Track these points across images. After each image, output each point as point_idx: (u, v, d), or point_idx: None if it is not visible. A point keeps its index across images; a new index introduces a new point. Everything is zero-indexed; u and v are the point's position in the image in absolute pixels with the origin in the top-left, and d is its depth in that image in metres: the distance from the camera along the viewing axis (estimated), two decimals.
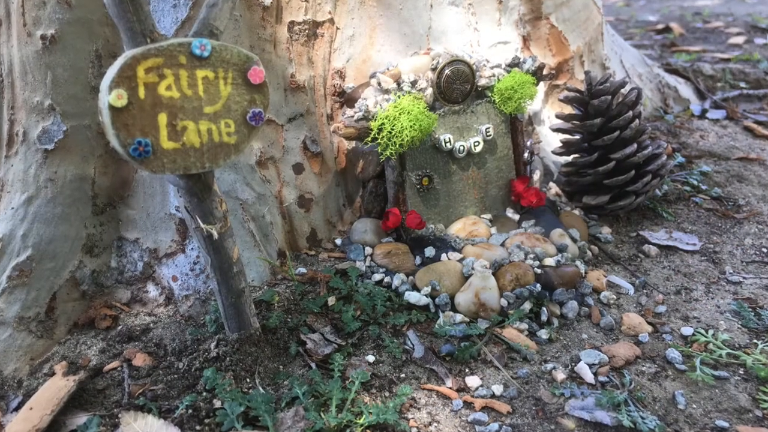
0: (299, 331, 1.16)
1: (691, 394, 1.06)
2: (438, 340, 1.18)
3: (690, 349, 1.16)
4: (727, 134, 2.08)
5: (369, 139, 1.32)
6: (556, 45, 1.80)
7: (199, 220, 0.96)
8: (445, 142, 1.39)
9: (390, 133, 1.30)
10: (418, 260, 1.33)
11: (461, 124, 1.43)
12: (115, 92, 0.80)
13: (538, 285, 1.24)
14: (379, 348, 1.15)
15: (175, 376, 1.07)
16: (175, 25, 1.21)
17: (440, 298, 1.23)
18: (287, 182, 1.38)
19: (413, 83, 1.36)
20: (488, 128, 1.44)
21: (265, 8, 1.29)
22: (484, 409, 1.03)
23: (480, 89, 1.45)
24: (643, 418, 0.98)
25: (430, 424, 1.00)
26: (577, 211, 1.59)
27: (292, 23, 1.34)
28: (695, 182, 1.74)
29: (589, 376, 1.09)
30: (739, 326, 1.22)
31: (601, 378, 1.09)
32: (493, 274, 1.25)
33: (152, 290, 1.27)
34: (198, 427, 0.96)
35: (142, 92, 0.83)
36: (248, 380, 1.05)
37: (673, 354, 1.14)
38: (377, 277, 1.30)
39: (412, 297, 1.23)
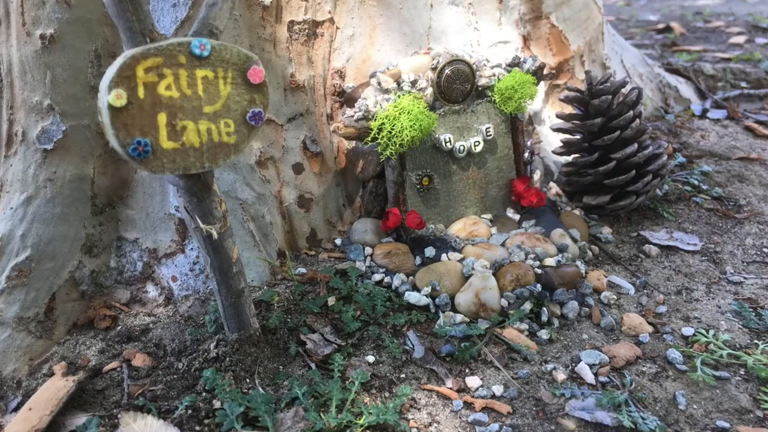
0: (299, 332, 1.16)
1: (691, 394, 1.06)
2: (438, 341, 1.17)
3: (691, 350, 1.15)
4: (727, 134, 2.08)
5: (369, 138, 1.32)
6: (556, 44, 1.80)
7: (199, 220, 0.95)
8: (446, 142, 1.38)
9: (390, 132, 1.30)
10: (418, 260, 1.33)
11: (461, 124, 1.43)
12: (115, 92, 0.80)
13: (539, 285, 1.24)
14: (379, 348, 1.15)
15: (175, 376, 1.07)
16: (174, 25, 1.21)
17: (440, 299, 1.22)
18: (287, 182, 1.38)
19: (413, 83, 1.36)
20: (488, 128, 1.44)
21: (265, 8, 1.29)
22: (485, 409, 1.03)
23: (480, 89, 1.45)
24: (643, 418, 0.98)
25: (430, 424, 1.00)
26: (577, 211, 1.58)
27: (291, 23, 1.34)
28: (696, 182, 1.74)
29: (589, 377, 1.09)
30: (740, 326, 1.22)
31: (602, 378, 1.09)
32: (494, 274, 1.25)
33: (152, 290, 1.27)
34: (197, 428, 0.95)
35: (141, 92, 0.82)
36: (248, 380, 1.05)
37: (674, 354, 1.14)
38: (377, 277, 1.30)
39: (412, 297, 1.23)
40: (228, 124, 0.90)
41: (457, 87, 1.39)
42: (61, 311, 1.20)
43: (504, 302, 1.22)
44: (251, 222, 1.29)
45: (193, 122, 0.87)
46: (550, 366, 1.12)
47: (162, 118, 0.84)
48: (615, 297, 1.31)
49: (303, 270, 1.32)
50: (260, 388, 1.04)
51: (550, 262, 1.31)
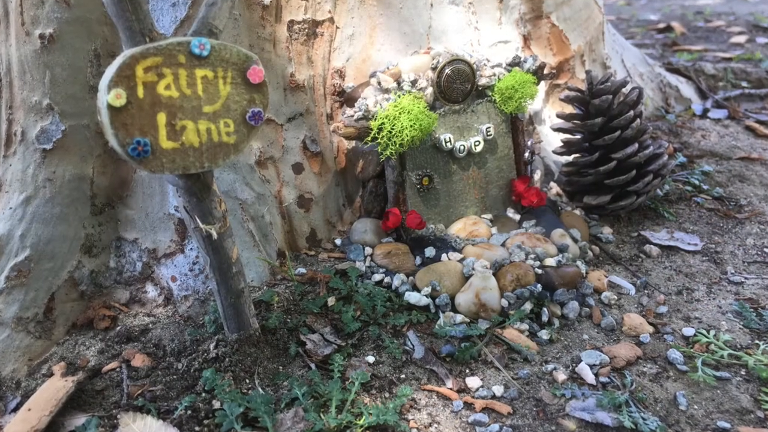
0: (299, 332, 1.15)
1: (692, 395, 1.05)
2: (438, 341, 1.17)
3: (691, 350, 1.15)
4: (728, 134, 2.07)
5: (369, 138, 1.32)
6: (556, 44, 1.79)
7: (198, 220, 0.95)
8: (446, 142, 1.38)
9: (390, 132, 1.30)
10: (418, 260, 1.33)
11: (462, 124, 1.43)
12: (114, 92, 0.80)
13: (539, 285, 1.23)
14: (379, 348, 1.15)
15: (174, 376, 1.07)
16: (174, 24, 1.20)
17: (440, 299, 1.22)
18: (287, 182, 1.38)
19: (413, 82, 1.36)
20: (489, 128, 1.44)
21: (265, 7, 1.29)
22: (485, 410, 1.02)
23: (480, 88, 1.44)
24: (644, 419, 0.98)
25: (430, 425, 0.99)
26: (578, 211, 1.58)
27: (291, 22, 1.34)
28: (697, 182, 1.74)
29: (590, 377, 1.09)
30: (741, 327, 1.22)
31: (602, 379, 1.09)
32: (494, 274, 1.25)
33: (151, 290, 1.27)
34: (197, 428, 0.95)
35: (140, 92, 0.82)
36: (247, 381, 1.05)
37: (675, 355, 1.13)
38: (377, 277, 1.30)
39: (412, 297, 1.23)
40: (227, 124, 0.90)
41: (457, 87, 1.39)
42: (61, 311, 1.20)
43: (504, 302, 1.22)
44: (251, 222, 1.29)
45: (192, 122, 0.87)
46: (550, 366, 1.11)
47: (161, 118, 0.84)
48: (615, 297, 1.31)
49: (303, 270, 1.32)
50: (260, 389, 1.04)
51: (550, 262, 1.30)
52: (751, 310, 1.26)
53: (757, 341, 1.18)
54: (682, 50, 3.04)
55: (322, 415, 0.96)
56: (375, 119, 1.31)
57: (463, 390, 1.07)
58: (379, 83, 1.35)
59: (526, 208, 1.50)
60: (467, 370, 1.12)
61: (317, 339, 1.14)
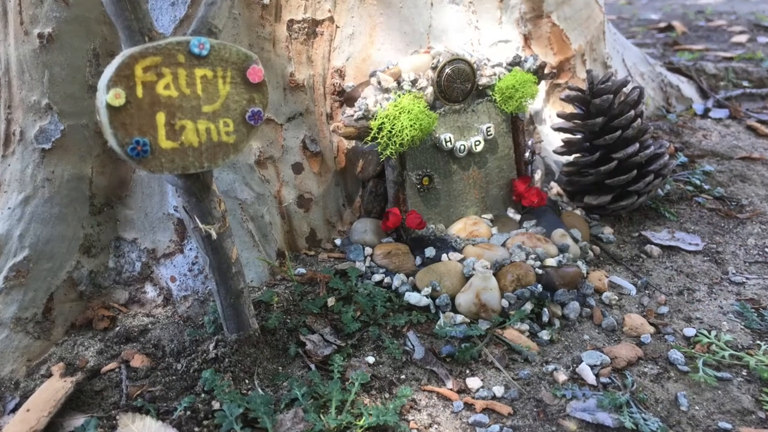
0: (298, 332, 1.15)
1: (693, 395, 1.05)
2: (438, 341, 1.17)
3: (692, 350, 1.15)
4: (729, 133, 2.07)
5: (369, 138, 1.31)
6: (557, 43, 1.79)
7: (198, 220, 0.95)
8: (446, 142, 1.38)
9: (390, 132, 1.29)
10: (418, 260, 1.32)
11: (462, 124, 1.42)
12: (113, 91, 0.79)
13: (540, 285, 1.23)
14: (379, 349, 1.14)
15: (174, 377, 1.06)
16: (173, 24, 1.20)
17: (441, 299, 1.22)
18: (286, 182, 1.37)
19: (413, 82, 1.36)
20: (489, 127, 1.43)
21: (264, 6, 1.28)
22: (485, 410, 1.02)
23: (481, 88, 1.44)
24: (645, 419, 0.98)
25: (430, 425, 0.99)
26: (578, 211, 1.58)
27: (291, 22, 1.33)
28: (698, 182, 1.73)
29: (590, 378, 1.08)
30: (742, 327, 1.21)
31: (603, 379, 1.08)
32: (494, 274, 1.25)
33: (150, 291, 1.27)
34: (196, 429, 0.95)
35: (140, 91, 0.82)
36: (247, 381, 1.05)
37: (676, 355, 1.13)
38: (377, 277, 1.29)
39: (412, 298, 1.23)
40: (227, 124, 0.90)
41: (457, 86, 1.38)
42: (60, 312, 1.20)
43: (505, 303, 1.21)
44: (250, 222, 1.28)
45: (191, 122, 0.86)
46: (551, 367, 1.11)
47: (161, 118, 0.84)
48: (616, 297, 1.31)
49: (302, 270, 1.31)
50: (259, 389, 1.03)
51: (551, 262, 1.30)
52: (753, 310, 1.25)
53: (758, 342, 1.17)
54: (683, 49, 3.03)
55: (321, 415, 0.96)
56: (375, 119, 1.30)
57: (463, 390, 1.07)
58: (379, 83, 1.35)
59: (527, 208, 1.50)
60: (467, 371, 1.11)
61: (317, 339, 1.14)
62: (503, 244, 1.37)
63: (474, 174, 1.46)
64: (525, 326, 1.20)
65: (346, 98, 1.43)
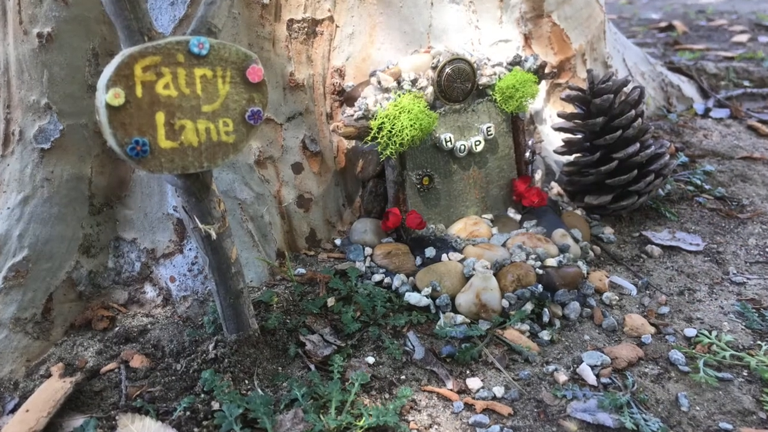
0: (298, 333, 1.15)
1: (694, 396, 1.05)
2: (438, 342, 1.17)
3: (693, 351, 1.14)
4: (730, 133, 2.07)
5: (369, 138, 1.31)
6: (557, 43, 1.79)
7: (197, 220, 0.95)
8: (446, 142, 1.37)
9: (390, 132, 1.29)
10: (418, 261, 1.32)
11: (462, 123, 1.42)
12: (112, 91, 0.79)
13: (540, 286, 1.23)
14: (379, 349, 1.14)
15: (173, 377, 1.06)
16: (172, 23, 1.20)
17: (441, 299, 1.22)
18: (286, 182, 1.37)
19: (413, 82, 1.35)
20: (489, 127, 1.43)
21: (264, 6, 1.28)
22: (485, 411, 1.02)
23: (481, 88, 1.44)
24: (645, 420, 0.97)
25: (430, 426, 0.99)
26: (579, 211, 1.57)
27: (291, 21, 1.33)
28: (698, 182, 1.73)
29: (591, 378, 1.08)
30: (743, 327, 1.21)
31: (604, 380, 1.08)
32: (495, 274, 1.24)
33: (150, 291, 1.26)
34: (196, 429, 0.95)
35: (139, 91, 0.82)
36: (247, 382, 1.04)
37: (676, 355, 1.13)
38: (377, 277, 1.29)
39: (412, 298, 1.22)
40: (227, 123, 0.89)
41: (457, 86, 1.38)
42: (59, 312, 1.20)
43: (505, 303, 1.21)
44: (250, 222, 1.28)
45: (191, 121, 0.86)
46: (551, 367, 1.11)
47: (160, 118, 0.84)
48: (617, 298, 1.31)
49: (302, 270, 1.31)
50: (259, 390, 1.03)
51: (551, 262, 1.30)
52: (753, 310, 1.25)
53: (759, 342, 1.17)
54: (683, 49, 3.03)
55: (321, 416, 0.96)
56: (375, 119, 1.30)
57: (463, 391, 1.07)
58: (379, 82, 1.34)
59: (527, 208, 1.49)
60: (468, 371, 1.11)
61: (317, 340, 1.14)
62: (503, 245, 1.37)
63: (474, 174, 1.45)
64: (525, 326, 1.20)
65: (346, 98, 1.42)
